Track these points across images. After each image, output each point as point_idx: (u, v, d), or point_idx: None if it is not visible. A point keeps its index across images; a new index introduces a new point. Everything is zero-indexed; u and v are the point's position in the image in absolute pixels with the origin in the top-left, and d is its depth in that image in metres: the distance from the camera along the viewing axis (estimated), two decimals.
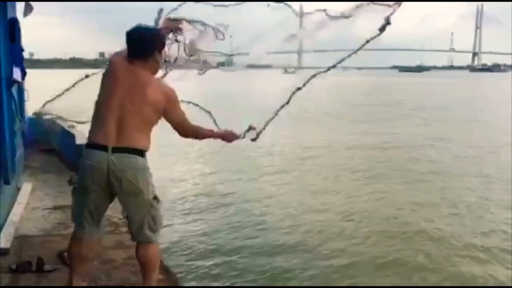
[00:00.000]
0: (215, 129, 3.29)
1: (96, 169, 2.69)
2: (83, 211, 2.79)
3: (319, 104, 30.47)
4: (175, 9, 3.41)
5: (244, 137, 3.23)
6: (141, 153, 2.73)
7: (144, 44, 2.80)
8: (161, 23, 3.21)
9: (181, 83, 3.45)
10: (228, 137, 3.18)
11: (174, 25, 3.28)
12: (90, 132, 2.80)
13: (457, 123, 20.14)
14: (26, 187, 5.37)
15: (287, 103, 3.28)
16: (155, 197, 2.80)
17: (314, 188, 9.31)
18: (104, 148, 2.67)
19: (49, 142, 7.76)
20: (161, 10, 3.36)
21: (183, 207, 7.87)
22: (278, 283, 5.23)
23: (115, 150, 2.67)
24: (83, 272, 2.97)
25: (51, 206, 4.89)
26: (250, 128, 3.26)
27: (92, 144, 2.74)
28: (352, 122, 19.97)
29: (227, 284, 5.20)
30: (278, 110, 3.29)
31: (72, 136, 6.41)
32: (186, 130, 2.95)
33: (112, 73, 2.82)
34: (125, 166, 2.67)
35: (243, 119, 3.55)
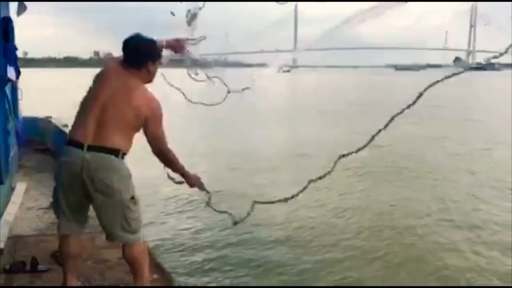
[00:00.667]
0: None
1: (71, 166, 2.70)
2: (60, 206, 2.82)
3: (315, 102, 30.57)
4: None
5: (207, 193, 3.19)
6: (117, 153, 2.71)
7: (139, 53, 2.84)
8: (165, 41, 3.16)
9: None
10: (194, 182, 3.08)
11: (177, 45, 3.25)
12: (71, 129, 2.84)
13: (451, 121, 20.23)
14: (21, 187, 5.36)
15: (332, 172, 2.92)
16: (133, 197, 2.77)
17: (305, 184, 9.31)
18: (80, 145, 2.69)
19: (44, 142, 7.75)
20: (189, 12, 3.37)
21: (176, 205, 7.86)
22: (270, 276, 5.24)
23: (91, 148, 2.67)
24: (76, 271, 2.98)
25: (46, 205, 4.86)
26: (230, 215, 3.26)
27: (70, 141, 2.76)
28: (347, 120, 20.04)
29: (220, 278, 5.21)
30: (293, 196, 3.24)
31: (66, 135, 6.38)
32: (161, 149, 2.88)
33: (103, 75, 2.87)
34: (99, 165, 2.66)
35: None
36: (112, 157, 2.69)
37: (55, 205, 2.87)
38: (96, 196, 2.71)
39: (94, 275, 3.31)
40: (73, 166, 2.68)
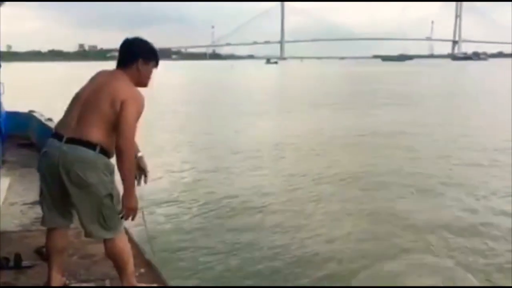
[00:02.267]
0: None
1: (49, 157, 2.71)
2: (41, 198, 2.84)
3: (302, 93, 30.69)
4: None
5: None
6: (94, 147, 2.65)
7: (130, 49, 2.84)
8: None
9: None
10: (131, 197, 2.70)
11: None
12: (57, 123, 2.87)
13: (436, 110, 20.49)
14: (4, 182, 5.29)
15: None
16: (110, 194, 2.71)
17: (292, 174, 9.40)
18: (61, 137, 2.69)
19: (27, 136, 7.66)
20: None
21: (165, 198, 7.82)
22: (262, 270, 5.21)
23: (69, 140, 2.66)
24: (61, 267, 2.95)
25: (30, 201, 4.81)
26: None
27: (53, 134, 2.79)
28: (334, 111, 20.18)
29: (208, 271, 5.17)
30: None
31: (50, 130, 6.31)
32: (128, 138, 2.63)
33: (95, 76, 2.88)
34: (75, 158, 2.64)
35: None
36: (89, 150, 2.65)
37: (40, 198, 2.87)
38: (71, 189, 2.68)
39: (79, 270, 3.27)
40: (51, 157, 2.69)
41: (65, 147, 2.65)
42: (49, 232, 2.89)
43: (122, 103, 2.64)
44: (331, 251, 5.69)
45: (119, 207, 2.75)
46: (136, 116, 2.69)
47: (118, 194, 2.77)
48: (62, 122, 2.79)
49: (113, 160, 2.74)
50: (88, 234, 2.80)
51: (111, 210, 2.73)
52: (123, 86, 2.73)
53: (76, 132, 2.66)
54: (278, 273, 5.15)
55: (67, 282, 3.06)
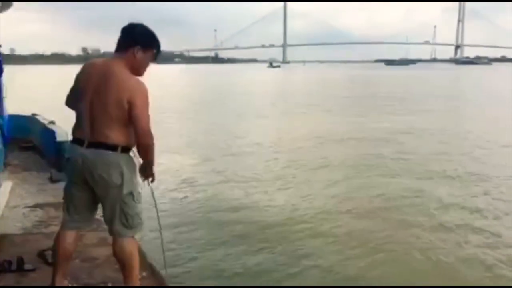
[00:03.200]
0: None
1: (74, 163, 2.77)
2: (66, 203, 2.90)
3: (305, 97, 30.68)
4: None
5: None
6: (115, 148, 2.69)
7: (130, 34, 2.77)
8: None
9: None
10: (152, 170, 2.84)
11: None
12: (73, 127, 2.85)
13: (436, 114, 20.44)
14: (6, 185, 5.27)
15: None
16: (131, 193, 2.76)
17: (287, 174, 9.46)
18: (81, 142, 2.73)
19: (30, 139, 7.67)
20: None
21: (163, 198, 7.81)
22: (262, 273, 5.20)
23: (90, 145, 2.71)
24: (67, 272, 2.95)
25: (32, 204, 4.83)
26: None
27: (73, 139, 2.82)
28: (336, 115, 20.17)
29: (208, 274, 5.16)
30: None
31: (52, 133, 6.35)
32: (145, 140, 2.67)
33: (87, 70, 2.82)
34: (97, 160, 2.69)
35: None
36: (110, 152, 2.69)
37: (64, 200, 2.92)
38: (97, 191, 2.77)
39: (81, 274, 3.26)
40: (76, 163, 2.76)
41: (87, 151, 2.70)
42: (61, 235, 2.90)
43: (129, 102, 2.63)
44: (326, 246, 5.74)
45: (140, 206, 2.83)
46: (146, 108, 2.70)
47: (139, 193, 2.84)
48: (77, 125, 2.80)
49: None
50: (113, 233, 2.82)
51: (132, 208, 2.79)
52: (123, 80, 2.67)
53: (94, 136, 2.69)
54: (276, 268, 5.16)
55: (69, 285, 3.05)
